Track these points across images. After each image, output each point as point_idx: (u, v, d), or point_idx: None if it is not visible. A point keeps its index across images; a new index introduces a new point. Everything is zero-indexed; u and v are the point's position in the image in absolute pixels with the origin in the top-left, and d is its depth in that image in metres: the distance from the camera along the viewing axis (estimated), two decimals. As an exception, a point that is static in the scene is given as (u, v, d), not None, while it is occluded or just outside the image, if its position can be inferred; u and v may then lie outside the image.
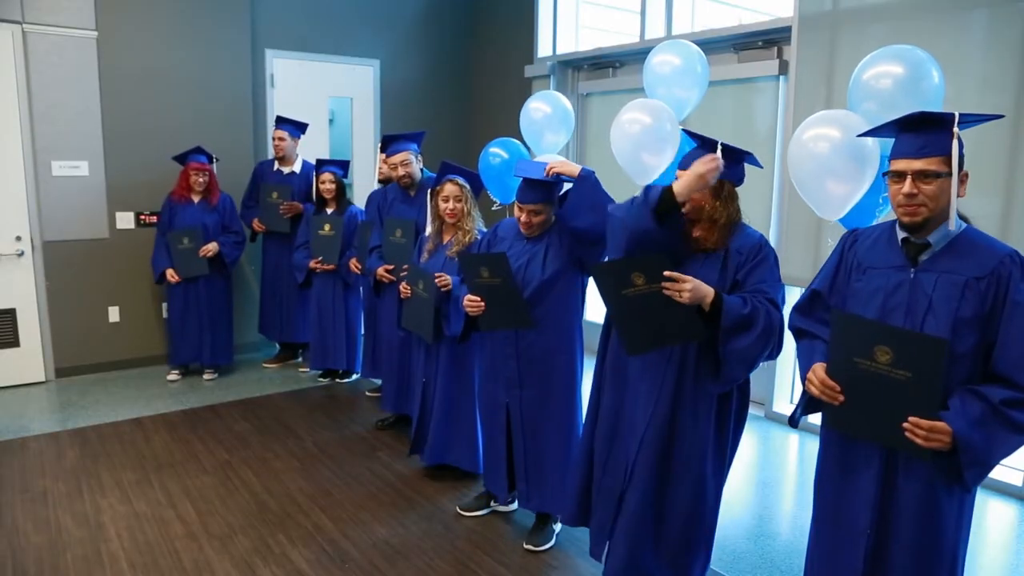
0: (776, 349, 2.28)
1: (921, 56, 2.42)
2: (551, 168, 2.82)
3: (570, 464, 2.85)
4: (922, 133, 1.82)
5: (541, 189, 2.88)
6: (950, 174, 1.79)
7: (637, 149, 3.15)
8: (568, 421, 3.01)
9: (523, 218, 2.92)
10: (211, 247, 4.97)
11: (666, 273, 2.18)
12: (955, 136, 1.78)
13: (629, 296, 2.31)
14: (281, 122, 5.31)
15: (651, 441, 2.39)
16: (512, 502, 3.33)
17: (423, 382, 3.58)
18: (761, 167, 2.47)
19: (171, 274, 4.95)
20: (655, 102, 3.29)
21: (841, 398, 1.85)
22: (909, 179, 1.80)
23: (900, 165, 1.83)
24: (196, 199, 5.04)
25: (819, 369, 1.91)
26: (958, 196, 1.82)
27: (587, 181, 2.76)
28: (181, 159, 5.00)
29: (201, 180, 4.99)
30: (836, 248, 2.11)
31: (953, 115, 1.78)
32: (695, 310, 2.22)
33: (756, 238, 2.34)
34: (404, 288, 3.54)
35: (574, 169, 2.80)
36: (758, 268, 2.28)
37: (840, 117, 2.57)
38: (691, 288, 2.16)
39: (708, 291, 2.19)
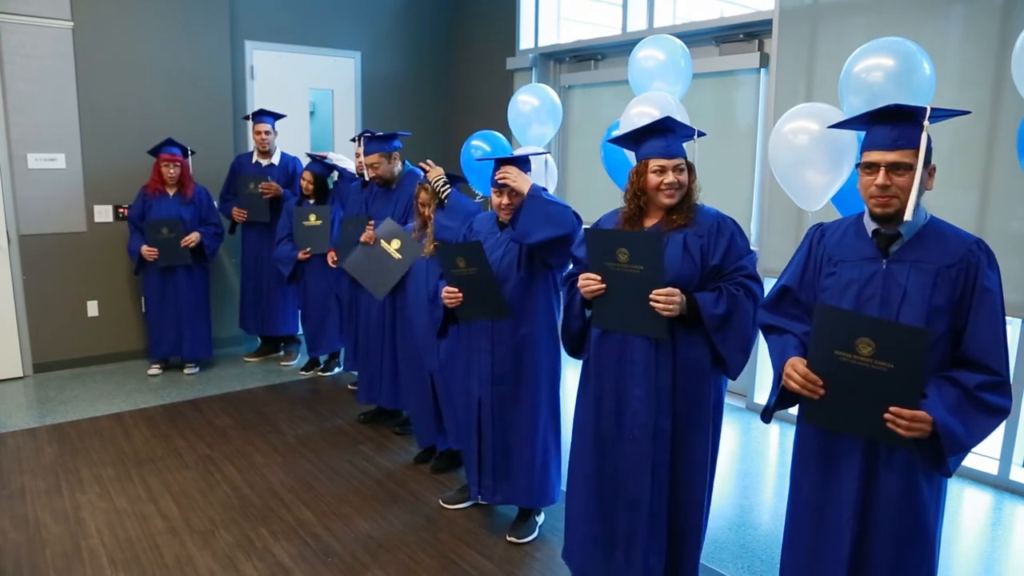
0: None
1: (911, 48, 2.44)
2: (503, 177, 2.83)
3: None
4: (895, 126, 1.82)
5: (514, 167, 2.89)
6: (918, 167, 1.82)
7: None
8: (542, 416, 3.01)
9: (504, 200, 2.89)
10: (193, 237, 4.93)
11: (655, 293, 2.22)
12: (925, 130, 1.80)
13: (610, 269, 2.32)
14: (263, 115, 5.27)
15: (661, 440, 2.36)
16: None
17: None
18: (704, 133, 2.49)
19: (147, 250, 4.87)
20: (662, 95, 3.30)
21: (822, 392, 1.85)
22: (883, 171, 1.81)
23: (873, 157, 1.84)
24: (171, 192, 4.99)
25: (798, 363, 1.90)
26: (925, 189, 1.86)
27: (536, 200, 2.80)
28: (155, 152, 4.95)
29: (172, 172, 4.94)
30: (803, 243, 2.10)
31: (925, 109, 1.81)
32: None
33: (712, 214, 2.37)
34: (368, 236, 3.54)
35: (524, 186, 2.83)
36: (731, 248, 2.32)
37: (820, 110, 2.60)
38: (679, 301, 2.23)
39: (684, 303, 2.25)
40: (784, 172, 2.77)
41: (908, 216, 1.82)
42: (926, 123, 1.80)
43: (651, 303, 2.23)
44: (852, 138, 2.56)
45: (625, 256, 2.28)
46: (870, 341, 1.75)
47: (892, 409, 1.74)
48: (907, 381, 1.74)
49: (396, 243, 3.36)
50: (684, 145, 2.40)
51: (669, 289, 2.23)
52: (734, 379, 2.41)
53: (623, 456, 2.42)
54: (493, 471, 3.07)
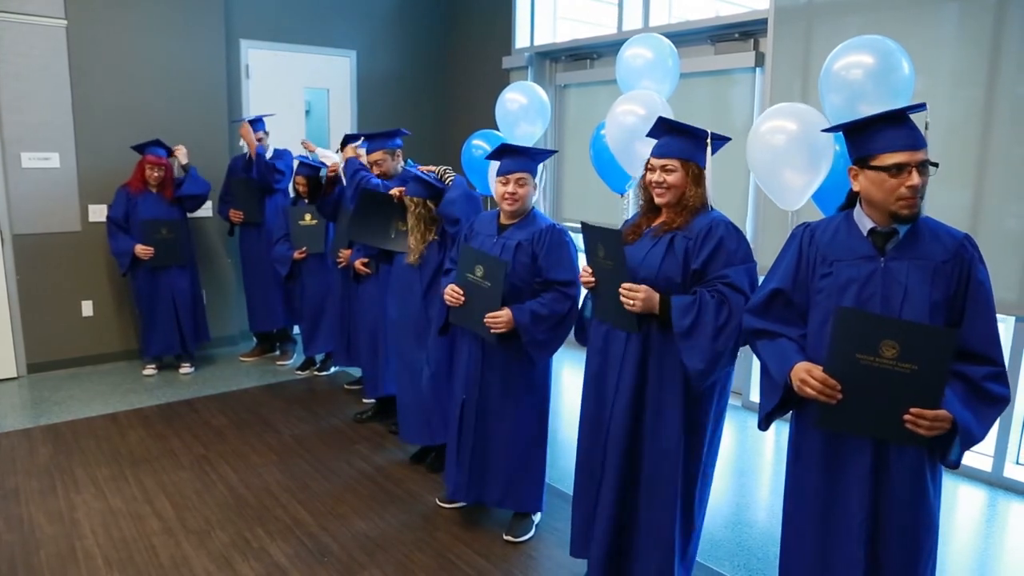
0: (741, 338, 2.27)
1: (891, 47, 2.45)
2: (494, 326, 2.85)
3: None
4: (907, 126, 1.83)
5: (523, 158, 2.89)
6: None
7: (631, 140, 3.17)
8: (525, 423, 3.00)
9: (508, 189, 2.87)
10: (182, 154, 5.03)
11: (622, 287, 2.31)
12: (927, 127, 1.82)
13: (597, 264, 2.44)
14: (254, 123, 5.25)
15: (618, 429, 2.44)
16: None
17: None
18: (729, 139, 2.50)
19: (143, 249, 4.85)
20: (648, 93, 3.30)
21: (840, 396, 1.83)
22: (915, 171, 1.80)
23: (901, 158, 1.81)
24: (154, 191, 4.99)
25: (815, 369, 1.86)
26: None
27: (532, 330, 2.85)
28: (140, 149, 4.95)
29: (156, 175, 4.93)
30: (791, 244, 2.08)
31: (924, 105, 1.83)
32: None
33: (707, 220, 2.34)
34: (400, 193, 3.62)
35: (505, 327, 2.84)
36: (715, 255, 2.29)
37: (798, 110, 2.62)
38: (643, 298, 2.28)
39: (654, 303, 2.29)
40: (762, 172, 2.78)
41: (924, 212, 1.86)
42: (927, 120, 1.82)
43: (620, 297, 2.31)
44: (828, 138, 2.58)
45: (602, 252, 2.39)
46: (895, 343, 1.74)
47: (913, 411, 1.74)
48: (931, 381, 1.74)
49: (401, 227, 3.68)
50: (699, 150, 2.38)
51: (634, 284, 2.29)
52: (696, 389, 2.32)
53: (596, 442, 2.53)
54: (469, 469, 3.06)
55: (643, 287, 2.29)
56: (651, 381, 2.39)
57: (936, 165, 1.84)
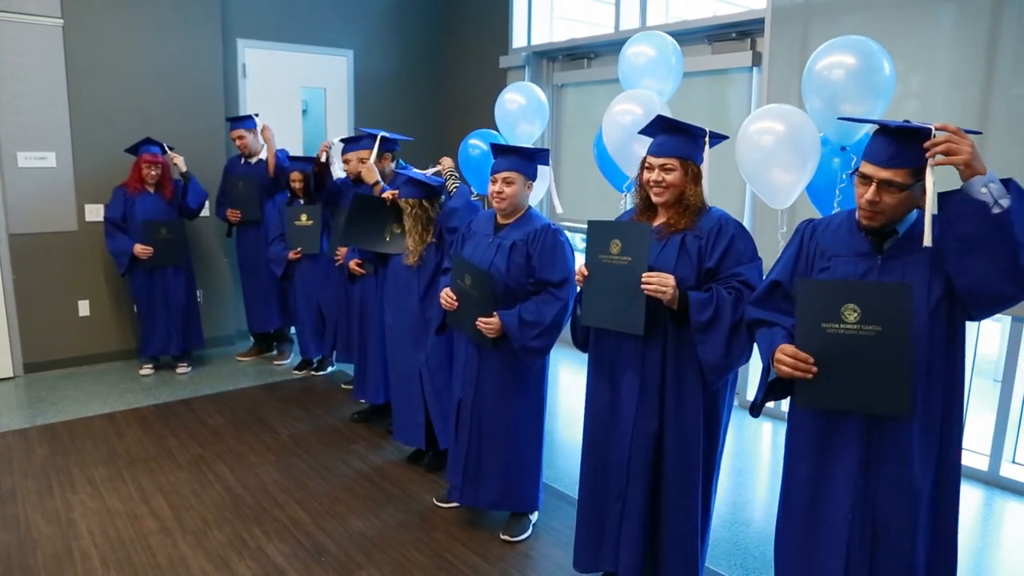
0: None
1: (873, 47, 2.46)
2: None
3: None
4: (895, 142, 1.81)
5: (515, 157, 2.91)
6: (914, 186, 1.81)
7: (629, 140, 3.17)
8: (522, 422, 3.01)
9: (495, 188, 2.90)
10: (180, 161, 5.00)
11: (646, 276, 2.23)
12: (932, 153, 1.76)
13: (601, 262, 2.36)
14: (234, 122, 5.26)
15: (643, 437, 2.39)
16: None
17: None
18: (727, 137, 2.50)
19: (142, 249, 4.84)
20: (646, 92, 3.30)
21: (814, 370, 1.84)
22: (874, 187, 1.82)
23: (868, 170, 1.84)
24: (151, 190, 4.98)
25: (787, 347, 1.89)
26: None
27: (519, 334, 2.86)
28: (133, 150, 4.94)
29: (154, 173, 4.92)
30: (793, 238, 2.11)
31: (929, 129, 1.77)
32: (643, 305, 2.26)
33: (715, 217, 2.35)
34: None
35: (496, 333, 2.87)
36: (728, 253, 2.30)
37: (784, 111, 2.64)
38: (674, 285, 2.22)
39: (675, 297, 2.23)
40: (751, 172, 2.80)
41: (927, 242, 1.77)
42: (932, 144, 1.76)
43: (643, 286, 2.23)
44: (816, 138, 2.60)
45: (617, 247, 2.32)
46: (855, 307, 1.78)
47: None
48: (896, 342, 1.76)
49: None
50: (698, 148, 2.38)
51: (661, 272, 2.24)
52: (712, 385, 2.33)
53: (614, 450, 2.46)
54: (464, 472, 3.06)
55: (670, 275, 2.23)
56: (669, 384, 2.36)
57: (903, 189, 1.80)
